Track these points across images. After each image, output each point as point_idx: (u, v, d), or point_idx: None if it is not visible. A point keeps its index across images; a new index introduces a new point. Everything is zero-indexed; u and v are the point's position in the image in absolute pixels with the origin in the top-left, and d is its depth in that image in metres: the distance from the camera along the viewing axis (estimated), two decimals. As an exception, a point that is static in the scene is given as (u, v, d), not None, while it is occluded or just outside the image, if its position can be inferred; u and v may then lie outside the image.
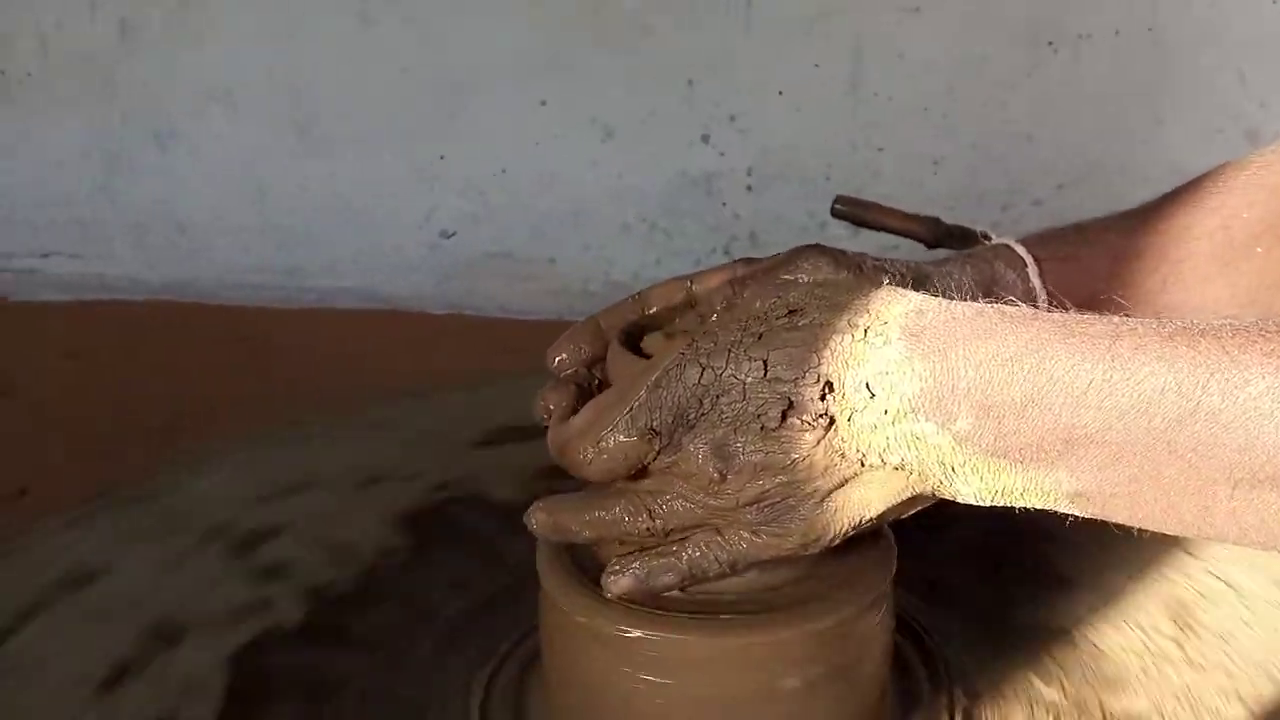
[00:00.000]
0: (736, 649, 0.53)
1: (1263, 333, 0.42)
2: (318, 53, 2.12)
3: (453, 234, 2.20)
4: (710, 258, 2.16)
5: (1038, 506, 0.46)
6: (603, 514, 0.51)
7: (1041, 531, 0.52)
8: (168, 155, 2.18)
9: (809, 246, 0.61)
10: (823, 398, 0.47)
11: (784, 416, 0.47)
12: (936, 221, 1.36)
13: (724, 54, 2.09)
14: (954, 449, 0.45)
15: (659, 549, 0.51)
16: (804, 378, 0.46)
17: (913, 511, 0.51)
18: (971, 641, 0.67)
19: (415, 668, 0.68)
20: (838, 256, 0.60)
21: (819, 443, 0.47)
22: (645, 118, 2.12)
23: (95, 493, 1.01)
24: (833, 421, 0.47)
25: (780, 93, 2.10)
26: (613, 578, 0.52)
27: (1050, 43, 2.06)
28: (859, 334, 0.46)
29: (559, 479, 0.54)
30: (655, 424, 0.48)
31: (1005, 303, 0.47)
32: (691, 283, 0.63)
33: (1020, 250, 0.64)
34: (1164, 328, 0.43)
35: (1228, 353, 0.41)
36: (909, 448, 0.46)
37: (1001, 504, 0.47)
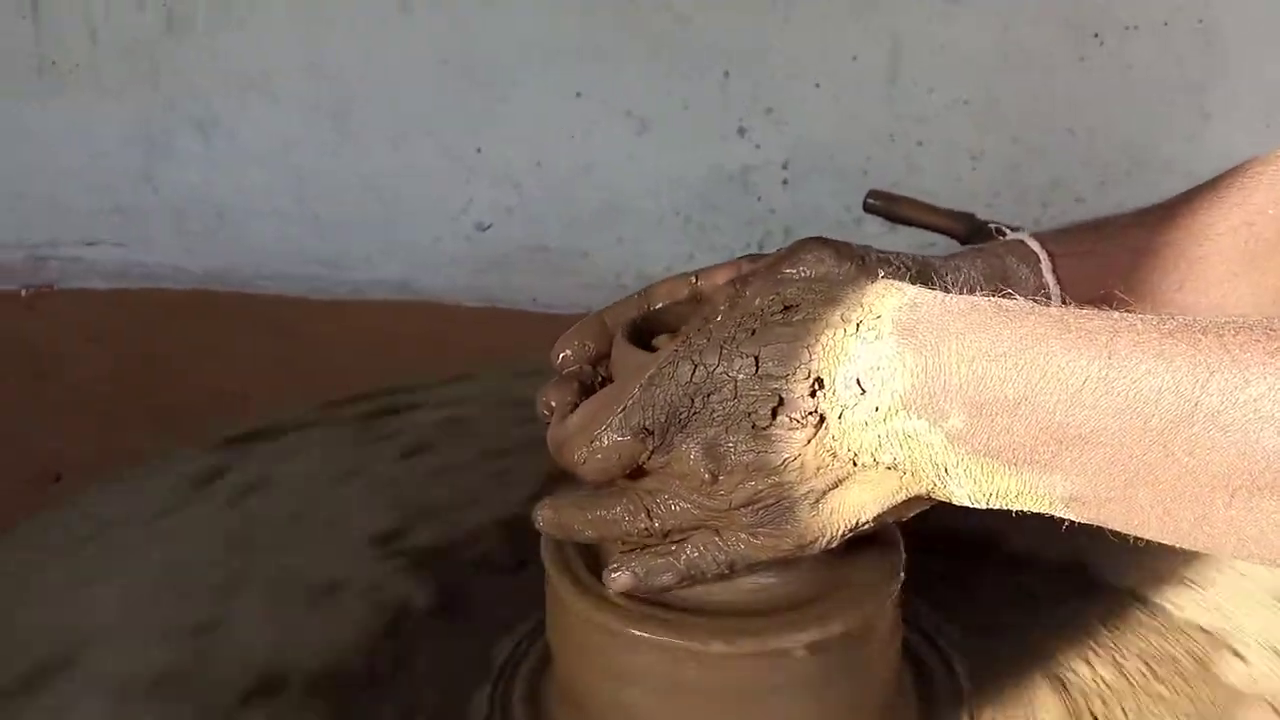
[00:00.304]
0: (740, 653, 0.53)
1: (1267, 331, 0.40)
2: (356, 43, 2.14)
3: (488, 226, 2.21)
4: (744, 252, 2.14)
5: (1033, 510, 0.45)
6: (603, 513, 0.51)
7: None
8: (209, 143, 2.21)
9: (811, 239, 0.59)
10: (813, 394, 0.45)
11: (774, 414, 0.46)
12: (971, 217, 1.35)
13: (760, 45, 2.07)
14: (946, 448, 0.43)
15: (658, 549, 0.51)
16: (794, 374, 0.45)
17: (912, 514, 0.50)
18: (986, 643, 0.66)
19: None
20: (840, 248, 0.59)
21: (809, 442, 0.46)
22: (680, 110, 2.11)
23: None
24: (823, 419, 0.45)
25: (817, 85, 2.08)
26: (613, 575, 0.52)
27: (1096, 34, 2.02)
28: (850, 328, 0.45)
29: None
30: (648, 423, 0.47)
31: (1005, 297, 0.46)
32: (696, 278, 0.62)
33: (1034, 245, 0.62)
34: (1164, 324, 0.42)
35: (1229, 351, 0.40)
36: (901, 446, 0.44)
37: (997, 507, 0.45)
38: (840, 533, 0.49)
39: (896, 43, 2.05)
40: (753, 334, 0.47)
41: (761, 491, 0.47)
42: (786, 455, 0.46)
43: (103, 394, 1.88)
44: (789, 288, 0.48)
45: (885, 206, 1.36)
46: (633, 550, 0.52)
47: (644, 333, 0.57)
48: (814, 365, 0.46)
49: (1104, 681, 0.62)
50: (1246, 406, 0.39)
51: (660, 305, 0.61)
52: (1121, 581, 0.70)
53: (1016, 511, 0.45)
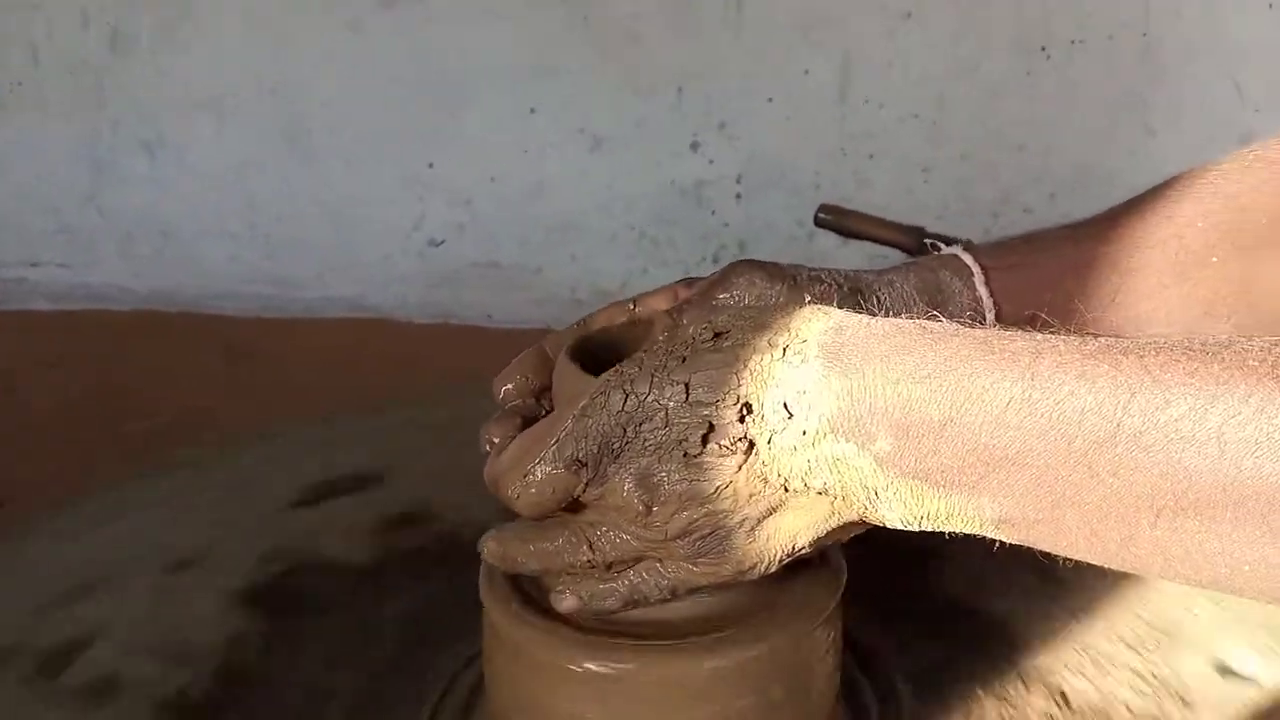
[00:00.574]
0: (678, 676, 0.52)
1: (1186, 351, 0.40)
2: (307, 62, 2.13)
3: (441, 243, 2.19)
4: (699, 266, 2.15)
5: (965, 531, 0.45)
6: (546, 545, 0.50)
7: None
8: (156, 164, 2.18)
9: (742, 262, 0.60)
10: (741, 420, 0.45)
11: (705, 441, 0.45)
12: (920, 231, 1.36)
13: (713, 61, 2.08)
14: (875, 471, 0.43)
15: (603, 575, 0.51)
16: (724, 400, 0.45)
17: (849, 536, 0.50)
18: (920, 659, 0.66)
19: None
20: (770, 270, 0.59)
21: (740, 469, 0.45)
22: (634, 126, 2.12)
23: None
24: (752, 446, 0.45)
25: (770, 100, 2.09)
26: (558, 597, 0.52)
27: (1043, 48, 2.05)
28: (778, 353, 0.45)
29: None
30: (581, 454, 0.47)
31: (930, 317, 0.46)
32: (634, 304, 0.62)
33: (967, 259, 0.62)
34: (1086, 345, 0.42)
35: (1149, 372, 0.40)
36: (831, 471, 0.44)
37: (929, 529, 0.45)
38: (777, 558, 0.48)
39: (847, 58, 2.06)
40: (683, 361, 0.47)
41: (696, 521, 0.47)
42: (719, 483, 0.46)
43: (52, 416, 1.85)
44: (720, 315, 0.49)
45: (836, 221, 1.37)
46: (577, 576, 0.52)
47: (589, 354, 0.56)
48: (742, 391, 0.46)
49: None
50: (1167, 427, 0.39)
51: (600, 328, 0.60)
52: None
53: (949, 533, 0.45)
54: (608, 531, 0.49)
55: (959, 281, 0.61)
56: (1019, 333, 0.44)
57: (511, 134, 2.13)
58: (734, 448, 0.45)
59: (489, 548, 0.53)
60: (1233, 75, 2.01)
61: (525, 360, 0.58)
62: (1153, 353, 0.40)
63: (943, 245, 0.69)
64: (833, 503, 0.46)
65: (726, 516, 0.47)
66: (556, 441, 0.48)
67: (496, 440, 0.55)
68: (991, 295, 0.61)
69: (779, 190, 2.12)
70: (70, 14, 2.12)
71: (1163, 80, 2.04)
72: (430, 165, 2.16)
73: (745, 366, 0.46)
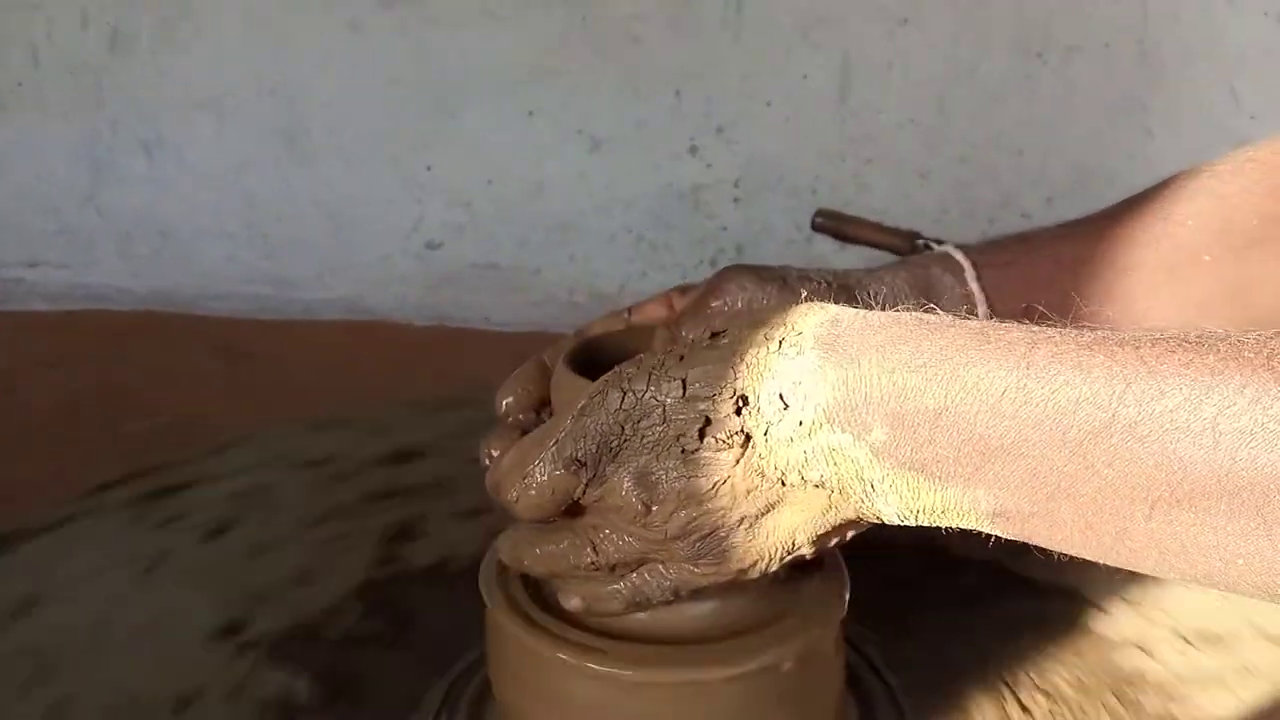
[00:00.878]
0: (685, 681, 0.53)
1: (1183, 343, 0.40)
2: (306, 63, 2.13)
3: (439, 245, 2.20)
4: (697, 269, 2.15)
5: (960, 527, 0.45)
6: (551, 548, 0.51)
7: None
8: (155, 164, 2.18)
9: (732, 267, 0.60)
10: (738, 412, 0.45)
11: (702, 435, 0.46)
12: (915, 235, 1.36)
13: (712, 64, 2.08)
14: (872, 462, 0.44)
15: (606, 577, 0.51)
16: (720, 393, 0.45)
17: (849, 536, 0.50)
18: (927, 665, 0.66)
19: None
20: (760, 273, 0.60)
21: (738, 463, 0.45)
22: (632, 129, 2.12)
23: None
24: (749, 439, 0.45)
25: (768, 104, 2.10)
26: (565, 597, 0.52)
27: (1039, 54, 2.05)
28: (774, 345, 0.45)
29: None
30: (580, 454, 0.47)
31: (926, 310, 0.46)
32: (630, 313, 0.62)
33: (958, 255, 0.62)
34: (1082, 337, 0.42)
35: (1145, 363, 0.40)
36: (827, 462, 0.44)
37: (926, 524, 0.46)
38: (777, 556, 0.49)
39: (846, 62, 2.07)
40: (681, 360, 0.47)
41: (695, 520, 0.47)
42: (716, 478, 0.46)
43: (51, 416, 1.84)
44: (716, 319, 0.49)
45: (833, 225, 1.37)
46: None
47: (587, 361, 0.57)
48: (739, 384, 0.46)
49: (1049, 693, 0.62)
50: (1162, 417, 0.39)
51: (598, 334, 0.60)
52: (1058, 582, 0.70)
53: (946, 528, 0.45)
54: (610, 534, 0.49)
55: (950, 277, 0.61)
56: (1015, 324, 0.44)
57: (510, 136, 2.13)
58: (730, 441, 0.46)
59: (503, 548, 0.53)
60: (1229, 81, 2.02)
61: (524, 373, 0.58)
62: (1148, 344, 0.40)
63: (934, 245, 0.69)
64: (830, 496, 0.46)
65: (725, 515, 0.47)
66: (555, 442, 0.48)
67: (496, 453, 0.55)
68: (983, 291, 0.61)
69: (777, 194, 2.12)
70: (70, 14, 2.12)
71: (1160, 86, 2.04)
72: (429, 167, 2.16)
73: (741, 360, 0.46)
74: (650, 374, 0.47)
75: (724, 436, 0.46)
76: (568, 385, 0.55)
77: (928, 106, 2.08)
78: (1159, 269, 0.62)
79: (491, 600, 0.56)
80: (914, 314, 0.46)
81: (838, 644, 0.56)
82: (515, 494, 0.49)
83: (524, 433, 0.55)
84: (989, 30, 2.04)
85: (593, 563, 0.50)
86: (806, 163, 2.10)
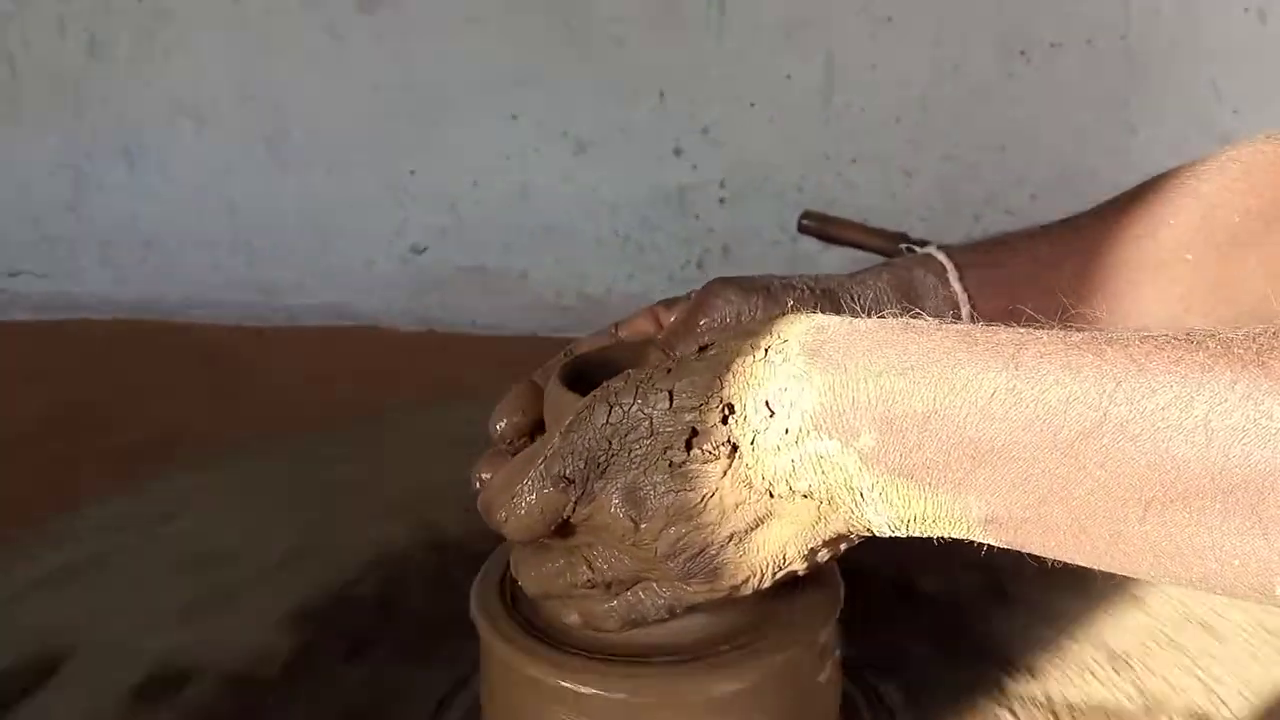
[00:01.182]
0: (679, 697, 0.52)
1: (1171, 340, 0.39)
2: (288, 69, 2.11)
3: (424, 249, 2.19)
4: (683, 271, 2.15)
5: (952, 536, 0.45)
6: (547, 567, 0.50)
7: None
8: (136, 172, 2.17)
9: (715, 282, 0.60)
10: (724, 421, 0.44)
11: (689, 447, 0.45)
12: (902, 236, 1.36)
13: (696, 66, 2.08)
14: (860, 470, 0.43)
15: (602, 595, 0.51)
16: (707, 403, 0.45)
17: (841, 549, 0.50)
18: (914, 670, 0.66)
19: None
20: (744, 285, 0.59)
21: (725, 474, 0.45)
22: (617, 131, 2.11)
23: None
24: (735, 448, 0.44)
25: (752, 104, 2.10)
26: (563, 614, 0.52)
27: (1023, 52, 2.06)
28: (760, 354, 0.45)
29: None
30: (568, 471, 0.46)
31: (912, 315, 0.45)
32: (616, 329, 0.62)
33: (941, 257, 0.62)
34: (1071, 337, 0.41)
35: (1135, 361, 0.39)
36: (815, 471, 0.44)
37: (917, 534, 0.45)
38: (769, 572, 0.48)
39: (830, 62, 2.07)
40: (668, 373, 0.47)
41: (684, 537, 0.47)
42: (704, 491, 0.46)
43: (34, 429, 1.83)
44: (705, 336, 0.48)
45: (819, 227, 1.37)
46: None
47: (580, 378, 0.56)
48: (725, 393, 0.45)
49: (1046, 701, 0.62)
50: (1154, 415, 0.38)
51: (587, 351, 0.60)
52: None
53: (938, 539, 0.45)
54: (604, 551, 0.49)
55: (933, 278, 0.61)
56: (1002, 327, 0.43)
57: (494, 139, 2.13)
58: (717, 452, 0.45)
59: (513, 568, 0.53)
60: (1211, 76, 2.03)
61: (517, 396, 0.58)
62: (1137, 343, 0.40)
63: (916, 248, 0.69)
64: (819, 507, 0.45)
65: (714, 531, 0.46)
66: (543, 460, 0.47)
67: (487, 476, 0.55)
68: (966, 291, 0.61)
69: (763, 195, 2.12)
70: (47, 22, 2.11)
71: (1142, 82, 2.05)
72: (412, 171, 2.15)
73: (728, 370, 0.46)
74: (637, 387, 0.47)
75: (710, 447, 0.45)
76: (559, 403, 0.54)
77: (912, 105, 2.08)
78: (1142, 267, 0.62)
79: (483, 624, 0.55)
80: (900, 319, 0.45)
81: (832, 655, 0.56)
82: (504, 514, 0.48)
83: (514, 455, 0.54)
84: (972, 28, 2.05)
85: (589, 580, 0.49)
86: (792, 163, 2.10)
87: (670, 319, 0.61)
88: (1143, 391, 0.38)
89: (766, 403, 0.44)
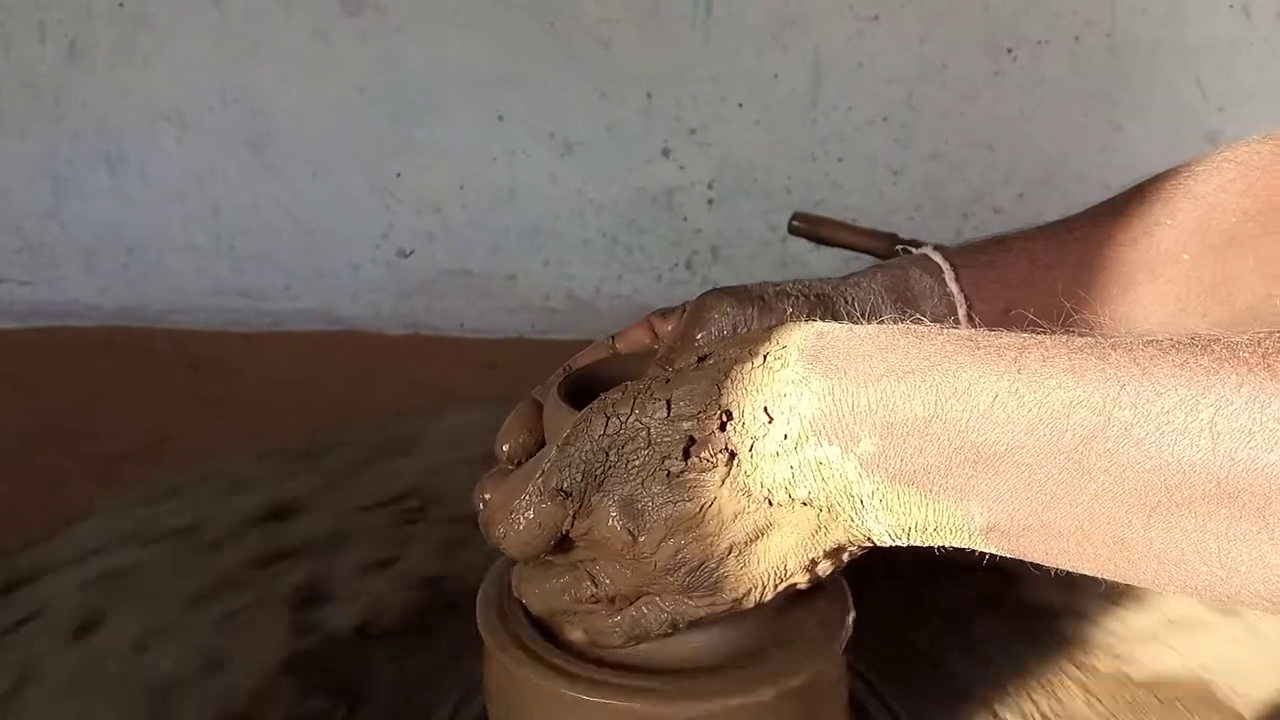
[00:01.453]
0: (685, 713, 0.52)
1: (1175, 345, 0.39)
2: (270, 72, 2.10)
3: (410, 252, 2.17)
4: (672, 272, 2.15)
5: (953, 545, 0.44)
6: (552, 584, 0.50)
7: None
8: (117, 178, 2.15)
9: (710, 294, 0.59)
10: (722, 428, 0.44)
11: (686, 455, 0.44)
12: (892, 236, 1.36)
13: (682, 67, 2.07)
14: (860, 476, 0.42)
15: (606, 611, 0.50)
16: (705, 410, 0.44)
17: (844, 561, 0.49)
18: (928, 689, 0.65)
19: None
20: (739, 295, 0.59)
21: (723, 483, 0.44)
22: (604, 132, 2.11)
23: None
24: (733, 456, 0.44)
25: (740, 105, 2.09)
26: (568, 630, 0.52)
27: (1009, 50, 2.06)
28: (759, 360, 0.44)
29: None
30: (565, 484, 0.46)
31: (913, 320, 0.45)
32: (614, 340, 0.61)
33: (937, 257, 0.61)
34: (1074, 341, 0.41)
35: (1139, 365, 0.38)
36: (814, 477, 0.43)
37: (917, 543, 0.44)
38: (770, 584, 0.47)
39: (816, 62, 2.06)
40: (666, 383, 0.46)
41: (684, 549, 0.46)
42: (702, 501, 0.45)
43: (19, 438, 1.81)
44: (706, 346, 0.48)
45: (809, 228, 1.36)
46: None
47: (581, 392, 0.55)
48: (724, 400, 0.45)
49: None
50: (1159, 419, 0.38)
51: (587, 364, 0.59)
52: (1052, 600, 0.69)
53: (940, 548, 0.44)
54: (606, 565, 0.48)
55: (929, 278, 0.60)
56: (1004, 331, 0.43)
57: (480, 141, 2.11)
58: (715, 459, 0.44)
59: (514, 587, 0.52)
60: (1196, 74, 2.03)
61: (521, 416, 0.57)
62: (1141, 347, 0.39)
63: (912, 250, 0.68)
64: (819, 516, 0.45)
65: (713, 543, 0.45)
66: (541, 474, 0.46)
67: (488, 498, 0.54)
68: (963, 292, 0.60)
69: (751, 195, 2.11)
70: (27, 27, 2.09)
71: (1128, 79, 2.05)
72: (398, 174, 2.14)
73: (726, 377, 0.45)
74: (635, 398, 0.46)
75: (708, 454, 0.44)
76: (558, 418, 0.53)
77: (898, 104, 2.08)
78: (1138, 268, 0.61)
79: (490, 637, 0.54)
80: (902, 325, 0.45)
81: (840, 670, 0.55)
82: (502, 531, 0.47)
83: None
84: (958, 27, 2.05)
85: (593, 595, 0.49)
86: (779, 163, 2.10)
87: (666, 328, 0.60)
88: (1147, 395, 0.38)
89: (765, 408, 0.44)
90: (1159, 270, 0.61)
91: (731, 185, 2.12)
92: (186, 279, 2.16)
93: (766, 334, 0.46)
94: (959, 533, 0.43)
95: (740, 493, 0.45)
